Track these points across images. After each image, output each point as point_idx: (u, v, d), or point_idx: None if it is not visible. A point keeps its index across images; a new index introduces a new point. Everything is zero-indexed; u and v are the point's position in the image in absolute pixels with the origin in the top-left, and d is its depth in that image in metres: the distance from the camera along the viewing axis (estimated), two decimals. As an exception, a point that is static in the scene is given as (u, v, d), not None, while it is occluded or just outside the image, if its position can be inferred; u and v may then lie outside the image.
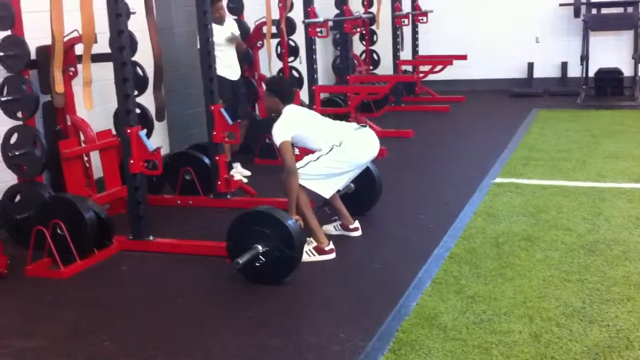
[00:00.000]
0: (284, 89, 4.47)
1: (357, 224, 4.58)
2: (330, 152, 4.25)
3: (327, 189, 4.30)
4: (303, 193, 4.21)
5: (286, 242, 3.76)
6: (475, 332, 3.14)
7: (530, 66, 10.54)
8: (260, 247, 3.77)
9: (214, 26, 5.85)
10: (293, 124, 4.31)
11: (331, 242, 4.24)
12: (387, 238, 4.57)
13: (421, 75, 9.69)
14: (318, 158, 4.25)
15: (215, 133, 5.19)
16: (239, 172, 6.22)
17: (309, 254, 4.12)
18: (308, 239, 4.16)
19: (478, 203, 5.09)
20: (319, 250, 4.18)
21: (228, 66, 6.01)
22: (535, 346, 2.99)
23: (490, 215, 4.80)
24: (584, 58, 9.74)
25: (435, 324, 3.24)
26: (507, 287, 3.61)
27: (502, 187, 5.46)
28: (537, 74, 10.54)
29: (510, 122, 8.16)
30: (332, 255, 4.20)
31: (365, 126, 4.51)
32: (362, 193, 4.89)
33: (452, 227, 4.59)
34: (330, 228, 4.61)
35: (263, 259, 3.77)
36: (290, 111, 4.39)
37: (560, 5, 10.25)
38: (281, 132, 4.24)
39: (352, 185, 4.80)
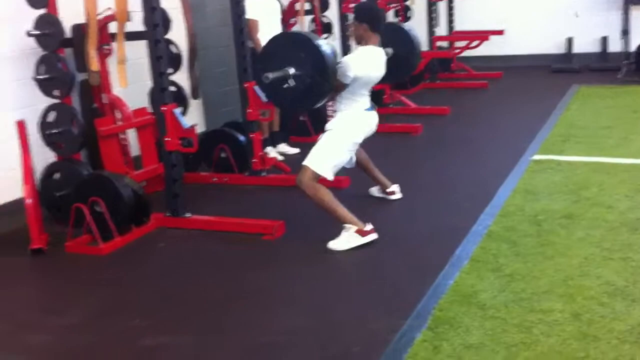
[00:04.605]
0: (374, 15, 4.18)
1: (394, 187, 4.67)
2: (349, 122, 4.16)
3: (330, 169, 4.11)
4: (321, 186, 4.07)
5: (319, 69, 3.66)
6: (514, 310, 3.09)
7: (570, 41, 10.31)
8: (292, 70, 3.70)
9: None
10: (366, 64, 4.11)
11: (369, 224, 4.06)
12: (423, 215, 4.52)
13: (457, 51, 9.54)
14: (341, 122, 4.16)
15: (249, 110, 5.17)
16: (285, 151, 6.20)
17: (351, 240, 3.98)
18: (345, 225, 4.01)
19: (516, 180, 5.00)
20: (362, 233, 3.99)
21: None
22: (576, 325, 2.93)
23: (529, 192, 4.72)
24: (625, 32, 9.48)
25: (473, 302, 3.19)
26: (546, 266, 3.54)
27: (541, 164, 5.36)
28: (577, 49, 10.29)
29: (549, 98, 7.99)
30: (375, 235, 4.02)
31: (375, 108, 4.36)
32: (400, 58, 4.68)
33: (490, 205, 4.52)
34: (374, 190, 4.82)
35: (293, 83, 3.68)
36: (370, 50, 4.16)
37: (601, -22, 9.99)
38: (353, 63, 4.04)
39: (390, 49, 4.60)
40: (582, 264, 3.53)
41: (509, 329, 2.94)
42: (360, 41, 4.22)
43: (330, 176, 4.10)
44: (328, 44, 3.85)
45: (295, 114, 6.52)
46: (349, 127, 4.18)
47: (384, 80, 4.43)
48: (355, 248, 3.98)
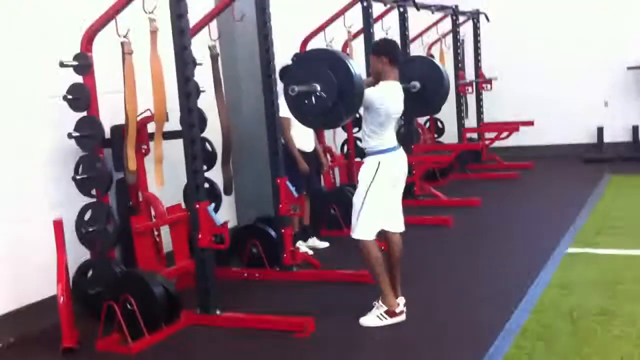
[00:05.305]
0: (394, 47, 4.24)
1: (402, 304, 4.29)
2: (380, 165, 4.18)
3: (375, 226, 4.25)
4: (374, 247, 4.20)
5: (346, 92, 3.70)
6: (551, 414, 3.00)
7: (600, 131, 10.33)
8: (318, 87, 3.72)
9: None
10: (389, 97, 4.14)
11: (401, 304, 4.22)
12: (455, 311, 4.45)
13: (487, 142, 9.60)
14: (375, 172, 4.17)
15: (281, 206, 5.25)
16: (315, 245, 6.21)
17: (380, 318, 4.16)
18: (377, 302, 4.20)
19: (550, 274, 4.93)
20: (391, 314, 4.17)
21: (303, 138, 6.06)
22: None
23: (563, 287, 4.64)
24: (657, 121, 9.50)
25: (508, 405, 3.11)
26: (583, 366, 3.46)
27: (575, 258, 5.29)
28: (608, 138, 10.31)
29: (582, 188, 7.95)
30: (403, 317, 4.19)
31: (400, 147, 4.36)
32: (428, 92, 4.73)
33: (524, 300, 4.44)
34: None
35: (314, 101, 3.71)
36: (392, 85, 4.21)
37: (628, 68, 10.09)
38: (378, 94, 4.10)
39: (418, 83, 4.65)
40: (620, 364, 3.44)
41: None
42: (380, 77, 4.23)
43: (373, 233, 4.22)
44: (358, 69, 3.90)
45: (327, 208, 6.57)
46: (379, 176, 4.18)
47: (411, 113, 4.46)
48: (388, 343, 3.98)
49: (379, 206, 4.23)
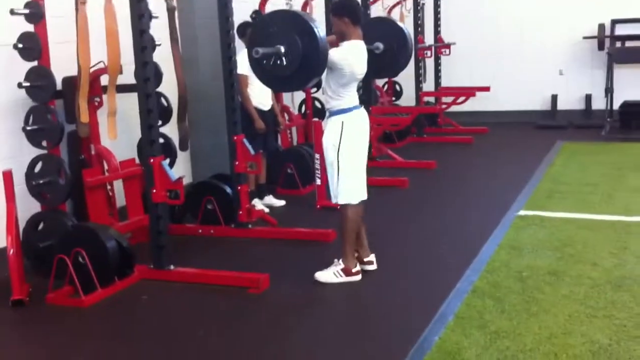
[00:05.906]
0: (354, 7, 4.17)
1: (372, 257, 4.45)
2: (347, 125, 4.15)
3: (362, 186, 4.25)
4: (355, 214, 4.21)
5: (310, 53, 3.67)
6: (499, 368, 3.08)
7: (554, 98, 10.49)
8: (282, 50, 3.70)
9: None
10: (353, 57, 4.09)
11: (358, 265, 4.27)
12: (408, 271, 4.52)
13: (444, 106, 9.67)
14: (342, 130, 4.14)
15: (237, 163, 5.20)
16: (272, 203, 6.19)
17: (336, 275, 4.20)
18: (336, 260, 4.24)
19: (502, 236, 5.02)
20: (347, 272, 4.22)
21: (261, 96, 6.01)
22: (561, 384, 2.91)
23: (514, 248, 4.73)
24: (609, 90, 9.67)
25: (457, 360, 3.18)
26: (531, 323, 3.54)
27: (526, 220, 5.39)
28: (561, 106, 10.47)
29: (534, 154, 8.08)
30: (358, 277, 4.23)
31: (362, 107, 4.32)
32: (391, 54, 4.74)
33: (475, 261, 4.52)
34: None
35: (278, 64, 3.69)
36: (356, 45, 4.16)
37: (584, 38, 10.22)
38: (343, 54, 4.03)
39: (381, 44, 4.66)
40: (566, 322, 3.53)
41: (493, 387, 2.91)
42: (344, 37, 4.18)
43: (358, 198, 4.22)
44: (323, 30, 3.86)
45: (283, 167, 6.55)
46: (346, 135, 4.15)
47: (372, 74, 4.42)
48: (341, 301, 4.04)
49: (356, 168, 4.20)
